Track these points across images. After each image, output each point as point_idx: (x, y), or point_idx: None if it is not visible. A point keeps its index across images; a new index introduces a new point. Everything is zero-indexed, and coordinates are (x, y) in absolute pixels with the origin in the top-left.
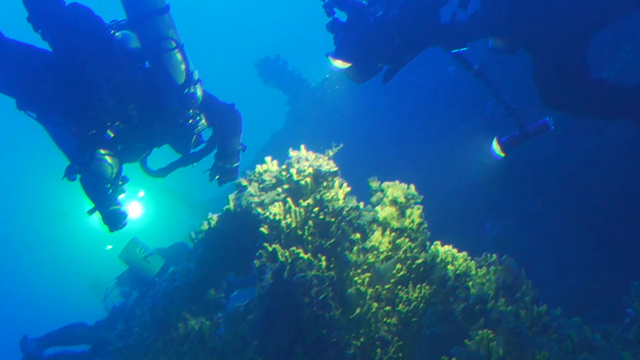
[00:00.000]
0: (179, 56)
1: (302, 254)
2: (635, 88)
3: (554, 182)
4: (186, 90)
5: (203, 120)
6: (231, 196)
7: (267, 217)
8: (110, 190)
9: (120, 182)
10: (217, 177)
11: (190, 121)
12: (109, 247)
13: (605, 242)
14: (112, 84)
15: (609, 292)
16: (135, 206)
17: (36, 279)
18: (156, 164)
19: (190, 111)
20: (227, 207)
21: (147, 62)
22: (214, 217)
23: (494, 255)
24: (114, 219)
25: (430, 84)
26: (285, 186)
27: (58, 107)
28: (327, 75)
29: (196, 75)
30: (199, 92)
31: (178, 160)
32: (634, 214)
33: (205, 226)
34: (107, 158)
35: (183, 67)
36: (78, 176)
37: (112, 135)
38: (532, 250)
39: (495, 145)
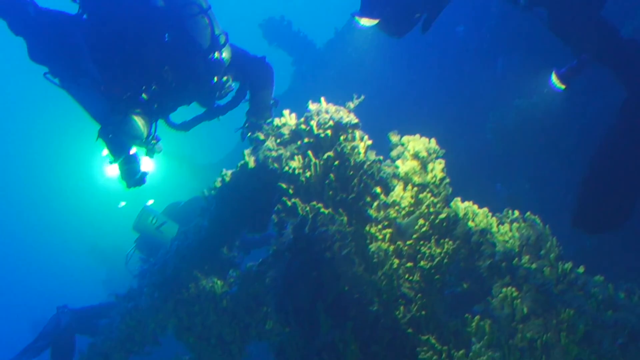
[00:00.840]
0: (204, 20)
1: (322, 209)
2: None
3: (570, 142)
4: (211, 55)
5: (230, 82)
6: (247, 151)
7: (287, 171)
8: (145, 150)
9: (153, 142)
10: (249, 134)
11: (216, 79)
12: (122, 204)
13: (621, 202)
14: (148, 47)
15: (624, 253)
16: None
17: (36, 243)
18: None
19: (225, 77)
20: (242, 162)
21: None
22: (228, 173)
23: (516, 212)
24: (133, 177)
25: (440, 43)
26: (305, 140)
27: (94, 70)
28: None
29: (223, 39)
30: (226, 55)
31: (203, 114)
32: None
33: (219, 182)
34: (139, 119)
35: (208, 31)
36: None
37: (146, 97)
38: (545, 211)
39: (555, 79)
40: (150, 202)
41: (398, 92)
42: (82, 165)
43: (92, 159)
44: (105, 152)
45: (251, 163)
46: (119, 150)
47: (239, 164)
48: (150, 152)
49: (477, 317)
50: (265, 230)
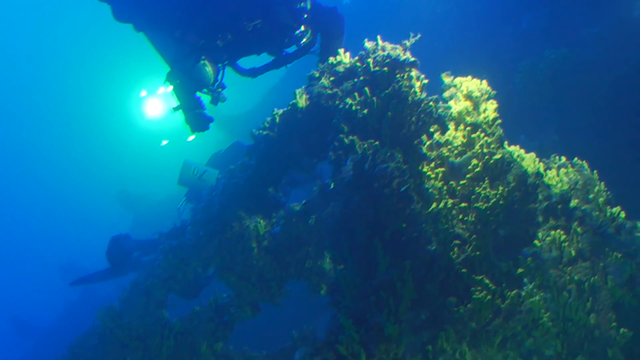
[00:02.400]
0: None
1: (380, 146)
2: None
3: (602, 93)
4: (298, 5)
5: (310, 33)
6: (299, 90)
7: (343, 109)
8: (210, 97)
9: (219, 89)
10: None
11: (298, 32)
12: (165, 142)
13: None
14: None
15: None
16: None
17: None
18: None
19: (303, 27)
20: (293, 101)
21: None
22: (279, 112)
23: (563, 158)
24: (200, 121)
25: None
26: (361, 77)
27: (174, 17)
28: None
29: None
30: (309, 5)
31: (271, 62)
32: None
33: (268, 121)
34: (208, 66)
35: None
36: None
37: (220, 45)
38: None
39: None
40: (191, 138)
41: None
42: (118, 108)
43: (131, 101)
44: (144, 92)
45: (302, 102)
46: (185, 95)
47: (290, 103)
48: (214, 100)
49: (529, 259)
50: (313, 170)
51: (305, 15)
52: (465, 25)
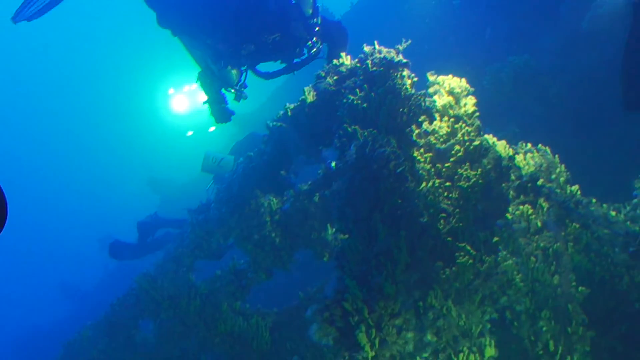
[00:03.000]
0: None
1: (377, 134)
2: None
3: (554, 91)
4: (312, 21)
5: (319, 44)
6: (307, 88)
7: (345, 103)
8: (234, 94)
9: (242, 89)
10: None
11: (310, 43)
12: (190, 133)
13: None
14: (258, 16)
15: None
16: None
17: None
18: None
19: (314, 38)
20: (303, 97)
21: None
22: (291, 106)
23: (529, 144)
24: (224, 114)
25: (438, 12)
26: (361, 76)
27: (208, 28)
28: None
29: (320, 9)
30: (319, 20)
31: (283, 69)
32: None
33: (281, 114)
34: (233, 69)
35: (311, 0)
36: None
37: (244, 53)
38: None
39: None
40: (212, 129)
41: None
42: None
43: (158, 97)
44: (172, 90)
45: (310, 98)
46: (212, 92)
47: (300, 99)
48: (237, 97)
49: (503, 229)
50: (319, 156)
51: (317, 29)
52: (445, 33)
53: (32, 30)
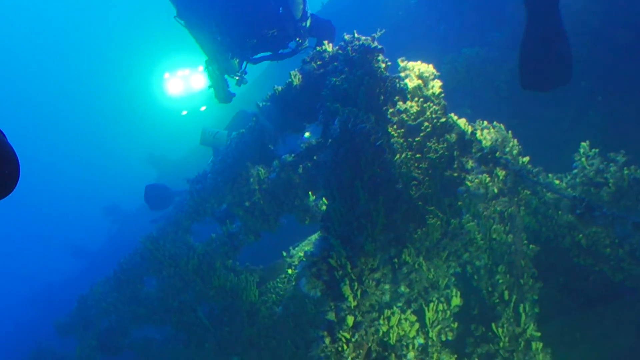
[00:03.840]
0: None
1: (357, 111)
2: None
3: (501, 79)
4: (300, 24)
5: (306, 42)
6: (293, 72)
7: (329, 84)
8: (236, 80)
9: (243, 75)
10: None
11: (299, 40)
12: (185, 112)
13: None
14: (263, 16)
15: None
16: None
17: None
18: None
19: (298, 39)
20: (289, 80)
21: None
22: (279, 88)
23: (485, 122)
24: (227, 96)
25: (395, 10)
26: (342, 61)
27: (217, 23)
28: None
29: (308, 13)
30: (308, 24)
31: (270, 56)
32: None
33: (270, 95)
34: (236, 59)
35: (302, 7)
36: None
37: (248, 46)
38: None
39: None
40: (203, 108)
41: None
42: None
43: (153, 81)
44: (167, 75)
45: (296, 80)
46: (218, 77)
47: (287, 82)
48: (239, 82)
49: (465, 195)
50: (303, 131)
51: (302, 31)
52: (412, 25)
53: (35, 11)
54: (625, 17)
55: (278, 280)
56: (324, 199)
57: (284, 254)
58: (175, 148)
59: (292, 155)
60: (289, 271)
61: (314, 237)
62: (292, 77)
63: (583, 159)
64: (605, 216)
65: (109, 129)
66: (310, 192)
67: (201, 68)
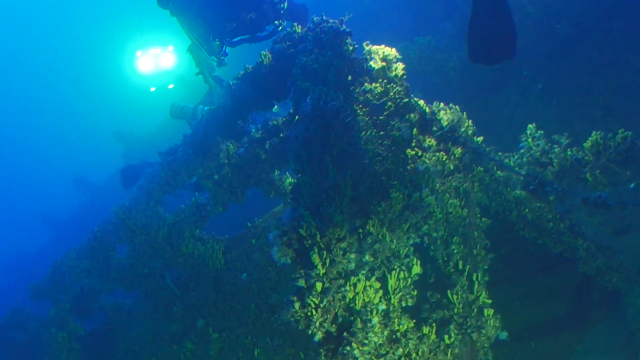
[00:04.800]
0: None
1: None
2: None
3: (450, 66)
4: (279, 5)
5: (284, 24)
6: (263, 52)
7: (300, 63)
8: (215, 61)
9: (222, 57)
10: None
11: (277, 22)
12: (153, 89)
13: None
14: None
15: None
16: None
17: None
18: None
19: (278, 21)
20: (259, 60)
21: None
22: (250, 67)
23: (441, 104)
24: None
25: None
26: (311, 42)
27: (199, 10)
28: None
29: None
30: (286, 5)
31: (247, 39)
32: None
33: (241, 73)
34: (217, 42)
35: None
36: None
37: (227, 29)
38: None
39: None
40: (171, 86)
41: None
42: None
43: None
44: (139, 53)
45: (266, 60)
46: (200, 59)
47: (257, 61)
48: (219, 64)
49: (424, 171)
50: (271, 108)
51: (282, 12)
52: (366, 15)
53: None
54: (566, 12)
55: (242, 249)
56: (287, 174)
57: (249, 225)
58: (142, 124)
59: (260, 132)
60: (253, 241)
61: (278, 209)
62: (262, 57)
63: (529, 140)
64: (557, 191)
65: (79, 103)
66: (276, 168)
67: (171, 48)
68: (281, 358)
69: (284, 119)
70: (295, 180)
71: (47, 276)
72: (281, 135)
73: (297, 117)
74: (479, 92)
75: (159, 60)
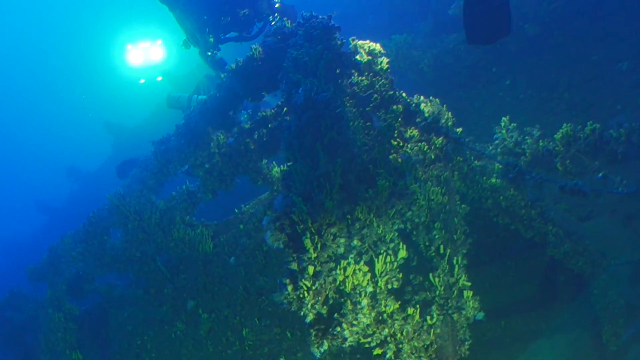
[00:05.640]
0: None
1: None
2: None
3: (426, 62)
4: (273, 0)
5: (277, 19)
6: (254, 46)
7: (291, 56)
8: (209, 53)
9: (215, 51)
10: None
11: (271, 18)
12: (142, 81)
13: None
14: None
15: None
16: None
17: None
18: None
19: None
20: (250, 53)
21: None
22: (240, 61)
23: (421, 97)
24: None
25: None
26: (302, 36)
27: (195, 5)
28: None
29: None
30: (279, 6)
31: (235, 37)
32: None
33: (233, 66)
34: (211, 36)
35: None
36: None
37: (222, 24)
38: None
39: None
40: (159, 78)
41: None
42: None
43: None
44: (130, 46)
45: (257, 54)
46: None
47: (248, 55)
48: (213, 56)
49: (407, 160)
50: (261, 100)
51: (277, 5)
52: (344, 16)
53: None
54: (534, 13)
55: (230, 234)
56: (274, 163)
57: (236, 211)
58: (131, 116)
59: (249, 122)
60: (241, 226)
61: (264, 196)
62: (253, 50)
63: (503, 132)
64: (535, 179)
65: (73, 94)
66: (264, 158)
67: (160, 41)
68: (268, 337)
69: (272, 111)
70: (286, 168)
71: (44, 259)
72: (270, 126)
73: (285, 108)
74: (451, 87)
75: (148, 53)
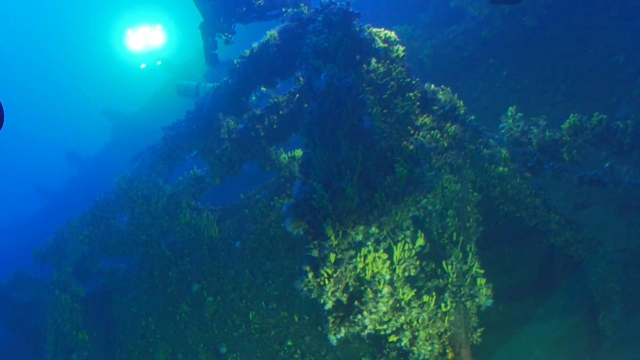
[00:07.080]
0: None
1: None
2: None
3: (425, 53)
4: None
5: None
6: (269, 32)
7: (311, 42)
8: (224, 38)
9: (230, 36)
10: None
11: (284, 9)
12: (143, 65)
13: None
14: None
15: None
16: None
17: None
18: None
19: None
20: (265, 39)
21: None
22: (256, 46)
23: (432, 86)
24: (212, 59)
25: None
26: (321, 22)
27: None
28: None
29: None
30: None
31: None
32: None
33: (247, 52)
34: (226, 22)
35: None
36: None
37: (238, 11)
38: None
39: None
40: (159, 62)
41: None
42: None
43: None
44: (129, 31)
45: (272, 39)
46: (208, 38)
47: (262, 40)
48: (226, 42)
49: (419, 147)
50: (274, 86)
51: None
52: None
53: None
54: (532, 5)
55: (235, 219)
56: (282, 149)
57: (242, 196)
58: (130, 102)
59: (260, 109)
60: (246, 211)
61: (271, 182)
62: (268, 36)
63: (510, 121)
64: (554, 169)
65: (78, 89)
66: (272, 144)
67: (159, 26)
68: (275, 321)
69: (285, 97)
70: (305, 154)
71: (50, 242)
72: (281, 112)
73: (297, 95)
74: (449, 78)
75: (148, 38)
